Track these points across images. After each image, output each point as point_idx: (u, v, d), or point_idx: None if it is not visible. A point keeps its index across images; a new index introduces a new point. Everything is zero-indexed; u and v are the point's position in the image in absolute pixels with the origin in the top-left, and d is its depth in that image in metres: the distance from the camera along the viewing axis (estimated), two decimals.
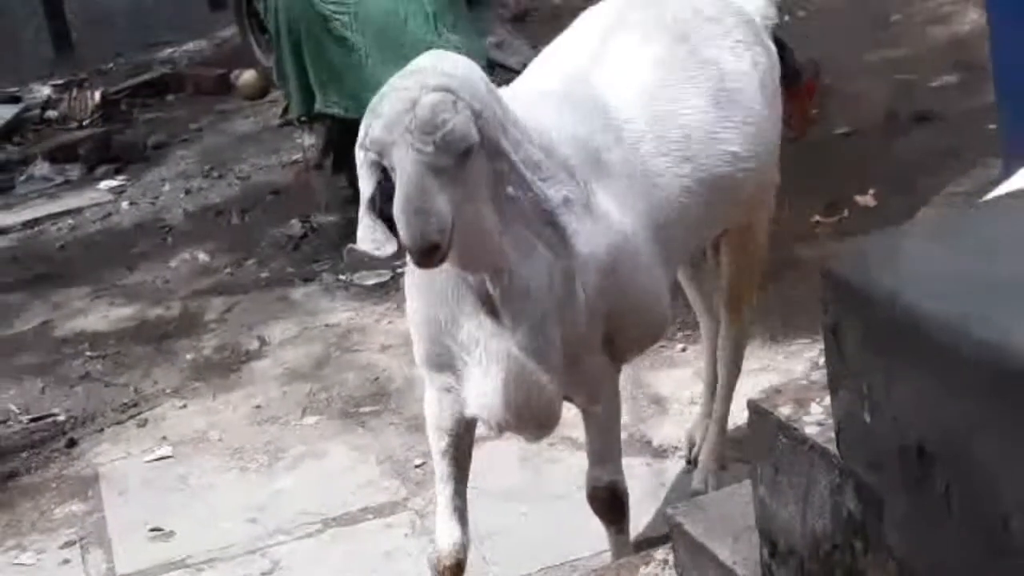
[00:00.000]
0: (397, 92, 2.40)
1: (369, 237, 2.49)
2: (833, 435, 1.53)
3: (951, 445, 1.29)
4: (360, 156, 2.46)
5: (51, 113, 7.75)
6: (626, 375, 3.91)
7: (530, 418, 2.75)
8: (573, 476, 3.49)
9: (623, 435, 3.67)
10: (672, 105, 2.89)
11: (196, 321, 4.89)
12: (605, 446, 2.89)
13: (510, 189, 2.50)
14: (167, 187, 6.42)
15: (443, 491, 2.83)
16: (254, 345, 4.60)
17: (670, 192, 2.85)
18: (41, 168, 6.90)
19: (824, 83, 5.39)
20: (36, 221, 6.23)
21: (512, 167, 2.49)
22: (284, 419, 4.11)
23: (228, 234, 5.70)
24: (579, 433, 3.67)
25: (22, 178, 6.84)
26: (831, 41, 6.06)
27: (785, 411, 1.65)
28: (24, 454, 4.18)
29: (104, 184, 6.60)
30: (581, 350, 2.72)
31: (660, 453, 3.55)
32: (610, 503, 2.87)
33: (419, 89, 2.37)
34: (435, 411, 2.78)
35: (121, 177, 6.66)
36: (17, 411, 4.45)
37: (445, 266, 2.50)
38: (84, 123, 7.47)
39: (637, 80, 2.89)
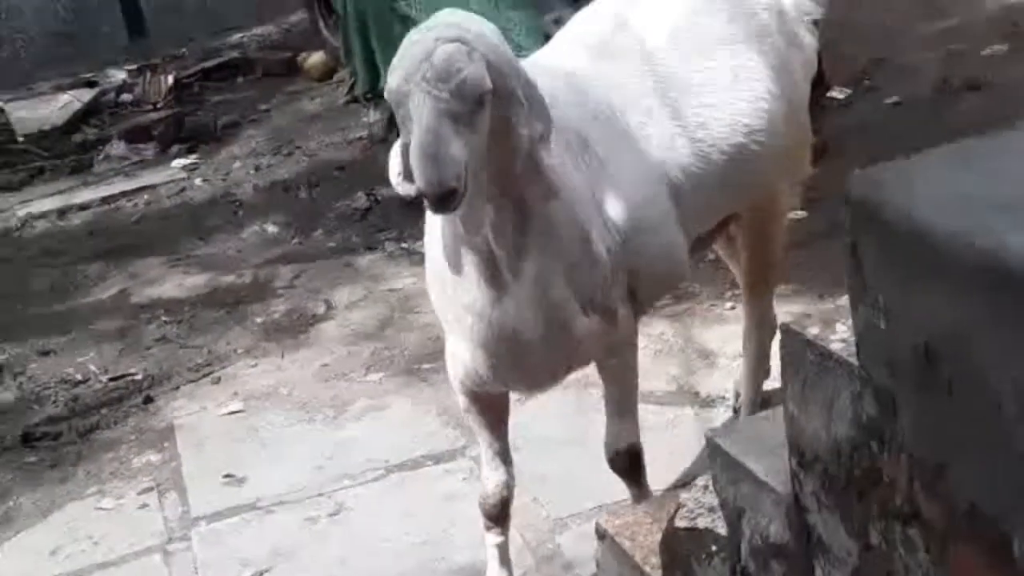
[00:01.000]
0: (414, 45, 2.44)
1: (394, 173, 2.57)
2: (855, 349, 1.68)
3: (954, 343, 1.43)
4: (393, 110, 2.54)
5: (126, 96, 8.03)
6: (676, 331, 4.09)
7: (524, 379, 2.85)
8: None
9: (673, 387, 3.86)
10: (691, 74, 2.97)
11: (266, 288, 5.10)
12: (624, 403, 2.97)
13: (524, 141, 2.53)
14: (237, 164, 6.65)
15: (481, 440, 2.99)
16: (321, 309, 4.81)
17: (686, 158, 2.92)
18: (117, 148, 7.17)
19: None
20: (113, 197, 6.49)
21: (526, 118, 2.52)
22: (349, 376, 4.30)
23: (296, 207, 5.91)
24: None
25: (99, 157, 7.12)
26: (883, 12, 6.15)
27: (813, 331, 1.80)
28: (104, 410, 4.41)
29: (177, 162, 6.86)
30: (598, 304, 2.77)
31: (707, 403, 3.70)
32: (631, 465, 2.98)
33: (434, 41, 2.42)
34: (449, 370, 2.90)
35: (193, 156, 6.92)
36: (97, 371, 4.68)
37: (450, 229, 2.60)
38: (158, 105, 7.74)
39: (657, 47, 2.98)
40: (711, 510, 2.30)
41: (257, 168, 6.53)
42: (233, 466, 3.89)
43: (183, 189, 6.44)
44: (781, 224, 3.37)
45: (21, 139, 7.43)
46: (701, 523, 2.33)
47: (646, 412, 3.74)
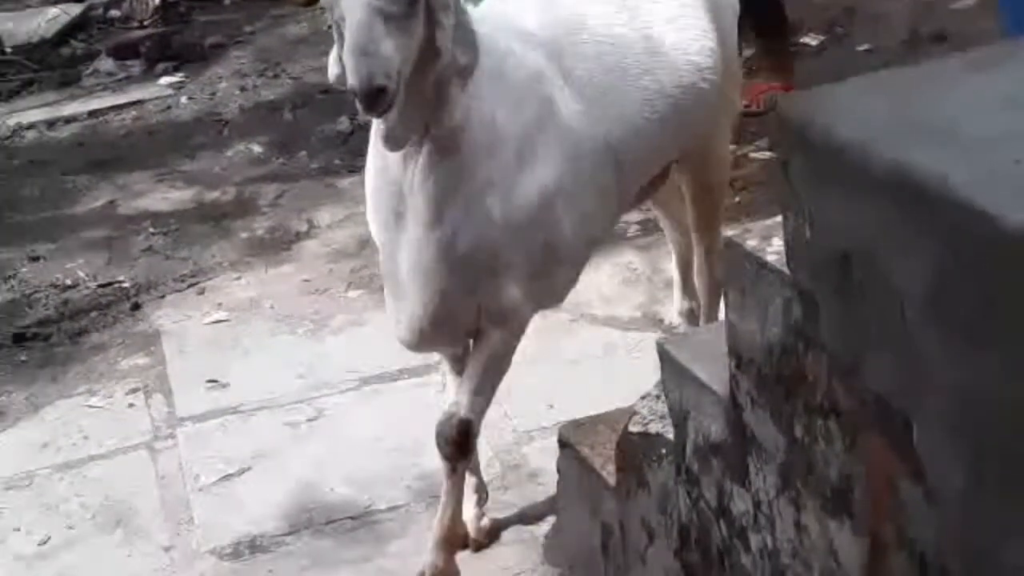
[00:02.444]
0: None
1: (332, 75, 2.65)
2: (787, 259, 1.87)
3: (865, 249, 1.62)
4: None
5: (114, 13, 8.08)
6: (644, 261, 4.28)
7: (413, 328, 2.83)
8: (587, 345, 3.88)
9: (638, 313, 4.05)
10: (635, 19, 2.99)
11: (250, 205, 5.25)
12: (484, 381, 2.88)
13: (445, 60, 2.56)
14: (223, 84, 6.76)
15: (444, 362, 3.12)
16: (304, 227, 4.96)
17: (629, 110, 2.92)
18: (105, 63, 7.24)
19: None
20: (101, 111, 6.57)
21: (452, 39, 2.56)
22: (330, 291, 4.47)
23: (281, 128, 6.04)
24: (596, 309, 4.08)
25: (87, 72, 7.19)
26: None
27: (752, 243, 1.97)
28: (93, 314, 4.57)
29: (164, 80, 6.95)
30: (499, 267, 2.77)
31: (669, 328, 3.89)
32: (459, 438, 2.87)
33: None
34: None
35: (180, 74, 7.01)
36: (86, 278, 4.83)
37: (382, 167, 2.69)
38: (145, 23, 7.80)
39: (596, 4, 2.99)
40: (662, 417, 2.49)
41: (243, 88, 6.64)
42: (217, 372, 4.07)
43: (169, 107, 6.55)
44: (723, 165, 3.41)
45: (9, 50, 7.52)
46: (653, 429, 2.52)
47: (612, 335, 3.98)
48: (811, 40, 5.94)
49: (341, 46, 2.53)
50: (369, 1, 2.42)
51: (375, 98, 2.42)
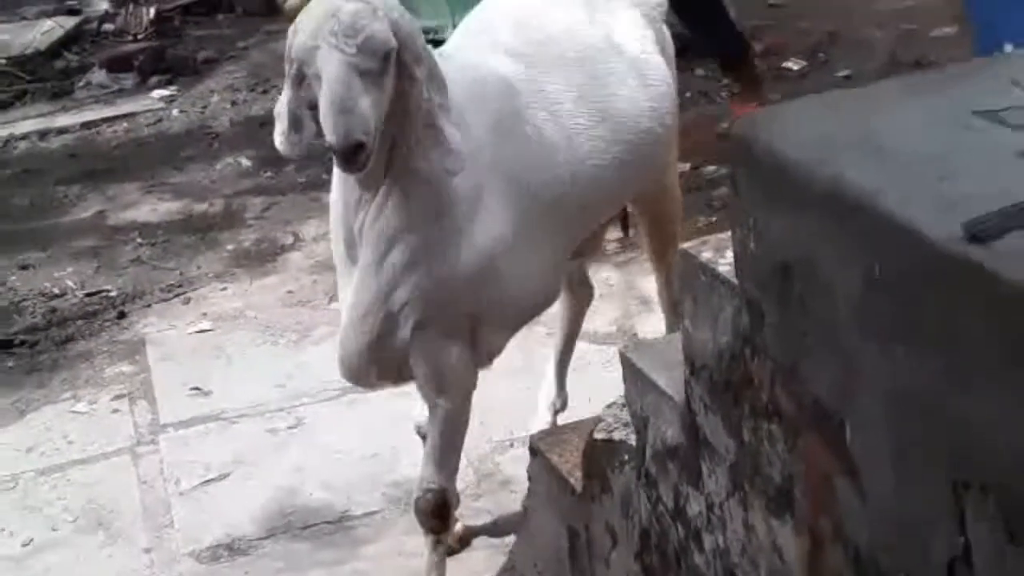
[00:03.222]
0: (319, 4, 2.51)
1: (278, 132, 2.68)
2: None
3: (803, 261, 1.70)
4: (286, 69, 2.61)
5: (108, 26, 8.20)
6: (620, 277, 4.37)
7: (382, 365, 2.83)
8: None
9: (613, 328, 4.14)
10: (594, 66, 2.99)
11: (237, 217, 5.35)
12: (445, 451, 2.87)
13: (425, 104, 2.57)
14: (215, 98, 6.87)
15: None
16: (289, 240, 5.06)
17: (584, 157, 2.91)
18: (98, 76, 7.36)
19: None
20: (93, 123, 6.69)
21: (429, 77, 2.58)
22: (313, 303, 4.56)
23: (269, 143, 6.03)
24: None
25: (81, 84, 7.31)
26: None
27: (706, 255, 2.06)
28: (79, 322, 4.66)
29: (156, 93, 7.06)
30: (438, 328, 2.76)
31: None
32: (436, 509, 2.87)
33: (340, 1, 2.49)
34: None
35: (172, 87, 7.12)
36: (74, 286, 4.93)
37: (338, 199, 2.72)
38: (139, 36, 7.92)
39: (558, 44, 2.99)
40: (626, 424, 2.57)
41: (233, 103, 6.75)
42: (200, 380, 4.16)
43: (160, 119, 6.65)
44: (675, 198, 3.41)
45: (3, 61, 7.62)
46: (617, 436, 2.60)
47: (588, 350, 4.05)
48: (793, 65, 6.07)
49: (300, 106, 2.62)
50: (345, 58, 2.44)
51: (354, 154, 2.43)
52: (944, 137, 1.69)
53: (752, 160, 1.78)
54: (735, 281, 1.96)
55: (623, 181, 3.06)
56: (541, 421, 3.52)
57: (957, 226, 1.46)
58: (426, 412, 2.98)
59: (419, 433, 3.13)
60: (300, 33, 2.52)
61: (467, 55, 2.90)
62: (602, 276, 4.38)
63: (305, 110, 2.65)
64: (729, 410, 2.04)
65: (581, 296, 3.54)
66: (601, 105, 2.97)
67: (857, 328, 1.64)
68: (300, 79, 2.59)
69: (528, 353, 3.96)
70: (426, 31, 3.16)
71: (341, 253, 2.83)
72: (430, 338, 2.77)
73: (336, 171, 2.75)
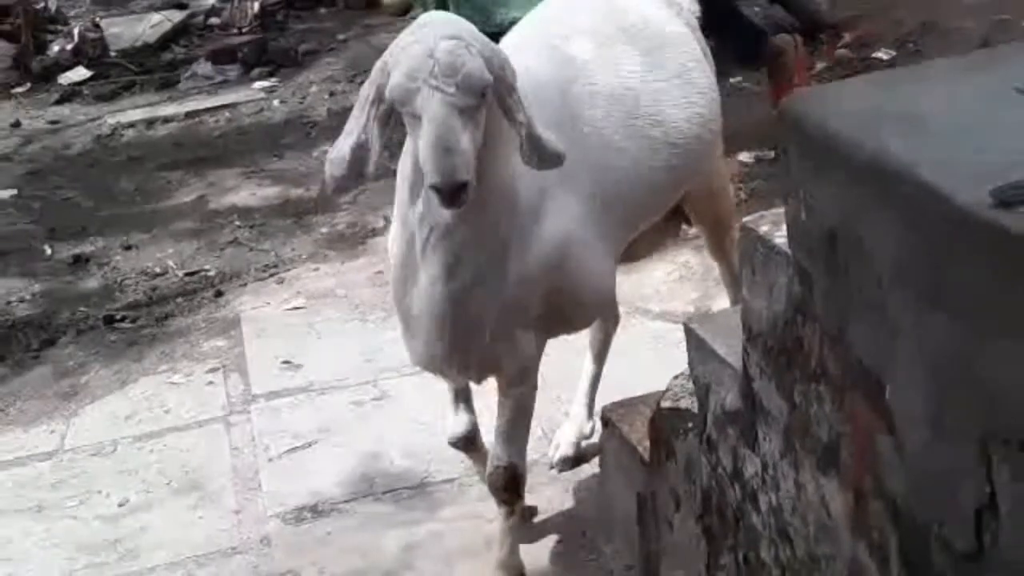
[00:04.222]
0: (414, 44, 2.49)
1: (337, 171, 2.60)
2: None
3: (849, 229, 1.80)
4: (369, 111, 2.56)
5: (214, 20, 8.49)
6: (699, 260, 4.45)
7: (464, 367, 2.91)
8: (639, 337, 4.07)
9: (691, 308, 4.23)
10: (645, 73, 3.07)
11: (331, 202, 5.53)
12: (517, 428, 2.98)
13: (523, 131, 2.58)
14: (314, 89, 7.09)
15: (447, 384, 3.16)
16: (379, 223, 5.22)
17: (638, 158, 2.98)
18: (203, 68, 7.62)
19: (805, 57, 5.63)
20: (196, 112, 6.95)
21: (520, 107, 2.58)
22: None
23: None
24: (653, 304, 4.27)
25: (186, 75, 7.58)
26: None
27: (764, 228, 2.17)
28: (179, 300, 4.87)
29: (258, 84, 7.30)
30: (512, 320, 2.81)
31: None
32: (507, 484, 2.98)
33: (434, 38, 2.48)
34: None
35: (274, 79, 7.36)
36: (174, 266, 5.14)
37: (407, 207, 2.71)
38: (243, 30, 8.18)
39: (609, 51, 3.06)
40: (691, 394, 2.68)
41: (332, 94, 6.95)
42: (291, 354, 4.33)
43: (262, 109, 6.88)
44: (725, 196, 3.52)
45: (114, 54, 7.91)
46: (682, 404, 2.71)
47: (667, 329, 4.15)
48: (884, 55, 6.09)
49: (371, 145, 2.56)
50: (446, 98, 2.43)
51: (457, 193, 2.44)
52: (984, 111, 1.77)
53: (802, 134, 1.88)
54: (789, 252, 2.06)
55: (673, 184, 3.17)
56: (565, 449, 3.58)
57: (987, 194, 1.55)
58: (458, 425, 3.18)
59: (453, 444, 3.22)
60: (396, 73, 2.48)
61: (526, 57, 2.87)
62: (682, 259, 4.48)
63: (370, 150, 2.59)
64: (782, 374, 2.14)
65: (608, 322, 3.62)
66: (653, 110, 3.05)
67: (896, 293, 1.73)
68: (388, 118, 2.56)
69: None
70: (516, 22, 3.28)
71: (402, 254, 2.82)
72: (508, 339, 2.84)
73: (402, 172, 2.77)
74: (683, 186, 3.25)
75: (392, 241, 2.94)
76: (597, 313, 3.24)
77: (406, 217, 2.76)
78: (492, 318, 2.79)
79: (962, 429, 1.65)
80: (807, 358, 2.03)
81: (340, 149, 2.62)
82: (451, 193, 2.44)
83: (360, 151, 2.57)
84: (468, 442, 3.21)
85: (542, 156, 2.62)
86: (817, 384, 2.02)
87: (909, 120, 1.78)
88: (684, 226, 3.64)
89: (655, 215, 3.25)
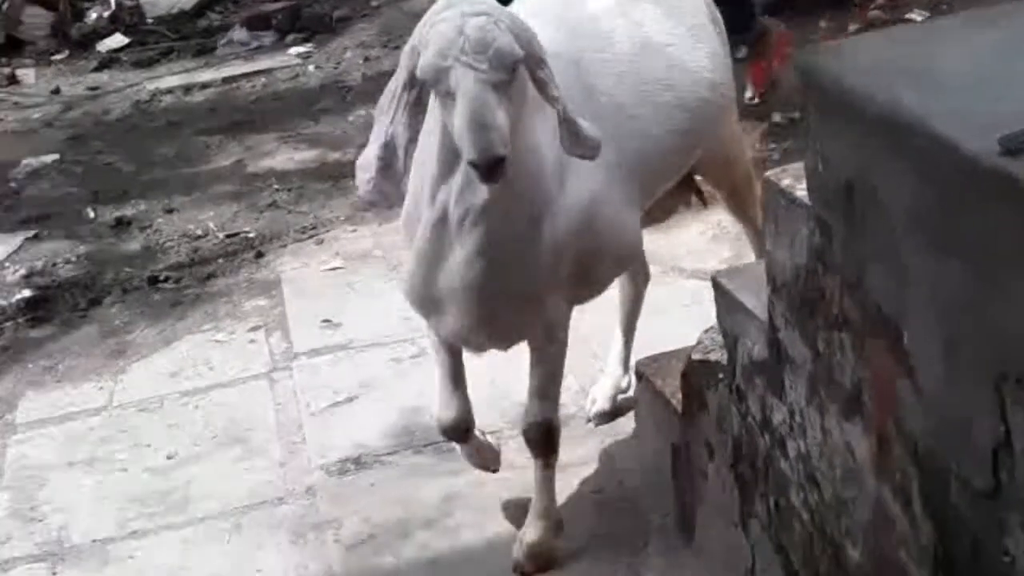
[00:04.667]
0: (442, 22, 2.51)
1: (369, 173, 2.64)
2: None
3: (865, 179, 1.88)
4: (396, 98, 2.59)
5: None
6: (731, 221, 4.51)
7: (497, 336, 2.96)
8: (674, 295, 4.14)
9: (723, 266, 4.29)
10: (657, 35, 3.12)
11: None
12: (551, 385, 3.04)
13: (558, 104, 2.61)
14: (348, 54, 7.17)
15: (438, 363, 3.10)
16: None
17: (651, 123, 3.02)
18: (239, 34, 7.71)
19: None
20: (233, 78, 7.04)
21: (552, 80, 2.61)
22: None
23: None
24: (687, 263, 4.35)
25: (223, 42, 7.67)
26: None
27: (786, 182, 2.25)
28: (220, 261, 4.98)
29: (293, 50, 7.39)
30: (543, 286, 2.87)
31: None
32: (544, 439, 3.05)
33: (462, 16, 2.50)
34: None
35: (308, 45, 7.45)
36: (215, 228, 5.25)
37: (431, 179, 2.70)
38: None
39: (621, 14, 3.10)
40: (721, 346, 2.77)
41: (366, 59, 7.03)
42: (331, 313, 4.43)
43: (297, 75, 6.97)
44: (742, 162, 3.54)
45: (151, 21, 8.01)
46: (712, 357, 2.80)
47: (700, 286, 4.21)
48: (917, 16, 6.11)
49: (402, 140, 2.58)
50: (479, 76, 2.46)
51: (494, 169, 2.46)
52: (998, 64, 1.85)
53: (819, 89, 1.96)
54: (809, 204, 2.14)
55: (686, 147, 3.21)
56: (602, 403, 3.65)
57: (995, 142, 1.62)
58: (449, 410, 3.11)
59: (443, 432, 3.21)
60: (427, 53, 2.51)
61: (536, 28, 2.82)
62: (715, 219, 4.54)
63: (398, 147, 2.62)
64: (805, 323, 2.22)
65: (639, 279, 3.69)
66: (664, 75, 3.09)
67: (910, 240, 1.81)
68: (419, 102, 2.58)
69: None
70: None
71: (430, 235, 2.80)
72: (542, 304, 2.90)
73: (427, 152, 2.74)
74: (696, 149, 3.28)
75: (409, 224, 2.93)
76: (621, 272, 3.29)
77: (433, 197, 2.75)
78: (528, 287, 2.85)
79: (976, 371, 1.73)
80: (829, 307, 2.12)
81: (367, 155, 2.66)
82: (489, 168, 2.46)
83: (387, 150, 2.61)
84: (460, 432, 3.15)
85: (579, 142, 2.66)
86: (839, 332, 2.10)
87: (923, 73, 1.86)
88: (695, 198, 3.68)
89: (670, 180, 3.29)
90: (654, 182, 3.18)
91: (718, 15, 3.43)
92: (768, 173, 2.31)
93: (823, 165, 1.99)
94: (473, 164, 2.46)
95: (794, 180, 2.24)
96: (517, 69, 2.54)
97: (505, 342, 3.04)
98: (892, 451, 2.00)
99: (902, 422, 1.95)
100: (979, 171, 1.62)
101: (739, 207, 3.60)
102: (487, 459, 3.30)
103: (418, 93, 2.58)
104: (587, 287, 3.05)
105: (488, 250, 2.74)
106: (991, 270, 1.66)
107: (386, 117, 2.64)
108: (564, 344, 3.03)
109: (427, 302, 2.93)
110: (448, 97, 2.49)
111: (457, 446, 3.27)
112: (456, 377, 3.11)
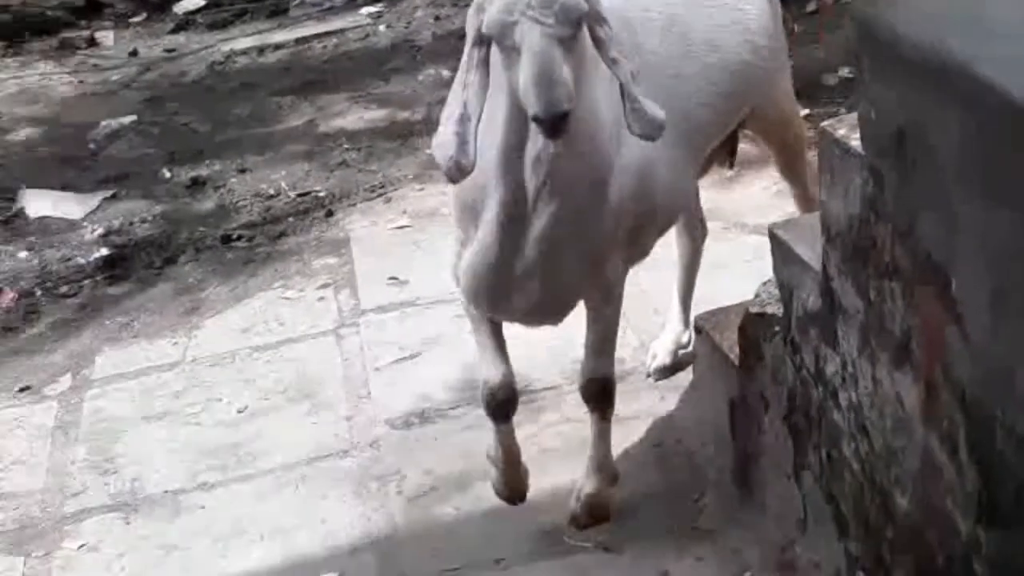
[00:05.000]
0: None
1: (450, 158, 2.57)
2: None
3: (915, 127, 1.87)
4: (472, 55, 2.57)
5: None
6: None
7: (550, 312, 2.97)
8: (737, 250, 4.14)
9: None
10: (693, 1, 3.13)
11: (436, 123, 5.58)
12: (607, 342, 3.06)
13: (619, 64, 2.61)
14: (419, 14, 7.19)
15: (480, 336, 3.09)
16: None
17: (696, 83, 3.03)
18: None
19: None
20: (305, 39, 7.09)
21: (611, 38, 2.61)
22: None
23: None
24: (750, 218, 4.33)
25: (295, 3, 7.72)
26: None
27: (841, 132, 2.24)
28: (291, 219, 5.05)
29: (364, 10, 7.42)
30: (606, 249, 2.88)
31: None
32: (601, 393, 3.09)
33: None
34: (464, 281, 2.98)
35: (380, 4, 7.47)
36: (286, 188, 5.32)
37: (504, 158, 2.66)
38: None
39: None
40: (778, 300, 2.77)
41: (437, 18, 7.05)
42: (398, 270, 4.48)
43: (368, 35, 7.01)
44: (792, 121, 3.52)
45: None
46: (769, 310, 2.81)
47: (762, 242, 4.18)
48: None
49: (475, 104, 2.55)
50: (545, 30, 2.45)
51: (559, 123, 2.44)
52: None
53: (871, 37, 1.96)
54: (863, 153, 2.14)
55: (733, 109, 3.22)
56: (663, 357, 3.68)
57: None
58: (496, 373, 3.09)
59: (490, 399, 3.13)
60: (492, 9, 2.51)
61: None
62: (776, 175, 4.52)
63: (471, 116, 2.58)
64: (858, 273, 2.22)
65: (697, 234, 3.71)
66: (706, 36, 3.09)
67: (960, 187, 1.81)
68: (486, 61, 2.56)
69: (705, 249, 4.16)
70: None
71: (507, 210, 2.76)
72: (603, 264, 2.92)
73: (494, 118, 2.67)
74: (744, 108, 3.28)
75: (468, 215, 2.89)
76: (667, 231, 3.25)
77: (503, 178, 2.71)
78: (595, 251, 2.87)
79: (1020, 315, 1.73)
80: (880, 255, 2.12)
81: (443, 135, 2.64)
82: (553, 123, 2.44)
83: (463, 123, 2.58)
84: (509, 395, 3.09)
85: (643, 121, 2.63)
86: (890, 280, 2.10)
87: (972, 22, 1.85)
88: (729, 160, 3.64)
89: (717, 138, 3.29)
90: (702, 142, 3.18)
91: None
92: (823, 123, 2.30)
93: (876, 114, 1.98)
94: (538, 119, 2.45)
95: (849, 130, 2.24)
96: (582, 24, 2.54)
97: (565, 311, 3.03)
98: (940, 399, 2.00)
99: (950, 370, 1.95)
100: None
101: (788, 166, 3.57)
102: (517, 483, 3.19)
103: (486, 52, 2.57)
104: (639, 246, 3.06)
105: (564, 219, 2.73)
106: None
107: (459, 87, 2.63)
108: (620, 302, 3.05)
109: (495, 291, 2.90)
110: (514, 52, 2.48)
111: (493, 441, 3.15)
112: (500, 342, 3.10)
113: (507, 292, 2.89)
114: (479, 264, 2.88)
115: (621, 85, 2.62)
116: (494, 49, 2.57)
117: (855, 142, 2.19)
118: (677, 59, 3.04)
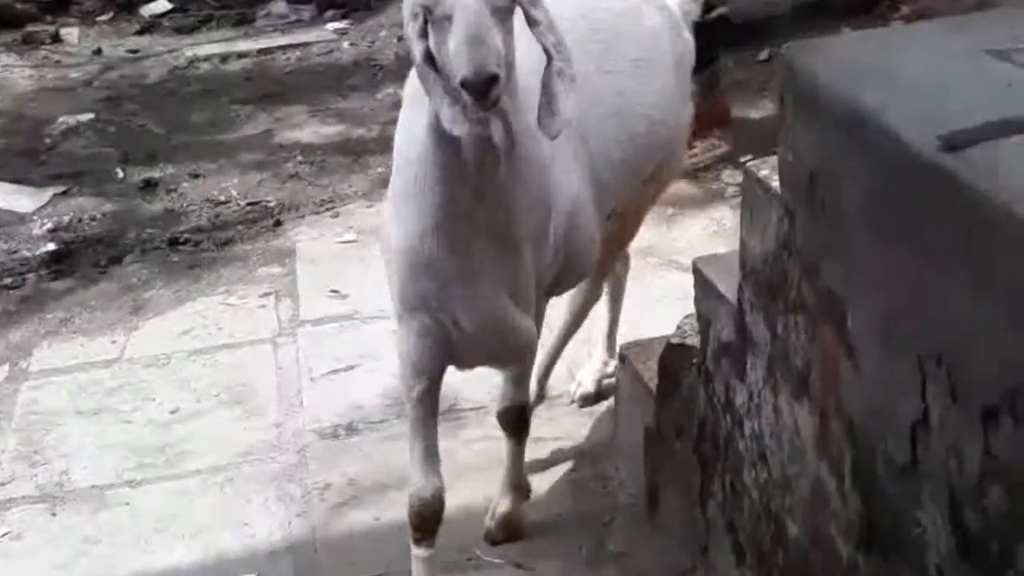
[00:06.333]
0: None
1: (453, 118, 2.44)
2: None
3: (826, 169, 1.97)
4: (407, 30, 2.50)
5: None
6: (734, 218, 4.57)
7: (512, 349, 2.94)
8: (669, 287, 4.22)
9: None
10: (609, 67, 3.08)
11: (390, 143, 5.62)
12: (525, 373, 3.15)
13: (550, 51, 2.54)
14: (383, 33, 7.28)
15: (418, 440, 2.96)
16: None
17: (603, 143, 3.01)
18: (279, 7, 7.83)
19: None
20: (269, 50, 7.17)
21: (548, 26, 2.54)
22: None
23: None
24: (683, 257, 4.42)
25: (262, 14, 7.80)
26: None
27: (764, 172, 2.33)
28: (239, 227, 5.11)
29: (330, 26, 7.51)
30: (539, 283, 2.90)
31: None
32: (517, 420, 3.19)
33: None
34: (414, 355, 2.90)
35: (346, 21, 7.57)
36: (237, 196, 5.38)
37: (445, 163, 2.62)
38: None
39: (580, 37, 2.95)
40: (698, 332, 2.86)
41: (400, 38, 7.12)
42: (340, 284, 4.55)
43: (332, 50, 7.10)
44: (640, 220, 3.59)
45: None
46: (689, 341, 2.89)
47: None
48: None
49: (433, 50, 2.44)
50: None
51: (487, 87, 2.34)
52: (954, 69, 1.93)
53: (794, 82, 2.05)
54: (781, 193, 2.22)
55: (647, 162, 3.22)
56: (587, 385, 3.76)
57: (935, 138, 1.71)
58: (428, 487, 2.96)
59: (416, 512, 3.00)
60: None
61: None
62: (717, 215, 4.64)
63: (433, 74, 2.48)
64: (768, 307, 2.31)
65: (621, 268, 3.77)
66: (611, 101, 3.05)
67: (860, 227, 1.90)
68: (424, 31, 2.48)
69: (638, 281, 4.24)
70: None
71: (450, 232, 2.72)
72: (539, 303, 2.95)
73: (431, 146, 2.66)
74: (649, 169, 3.27)
75: (408, 237, 2.84)
76: (581, 280, 3.28)
77: (436, 199, 2.69)
78: (538, 287, 2.88)
79: (904, 349, 1.82)
80: (789, 291, 2.20)
81: (445, 104, 2.46)
82: (480, 87, 2.33)
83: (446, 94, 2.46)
84: (438, 511, 2.96)
85: (550, 112, 2.54)
86: (796, 315, 2.19)
87: (884, 74, 1.94)
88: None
89: (628, 192, 3.26)
90: (608, 194, 3.11)
91: (687, 51, 3.36)
92: (749, 163, 2.39)
93: (793, 156, 2.07)
94: (466, 82, 2.33)
95: (771, 171, 2.32)
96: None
97: (506, 348, 2.95)
98: (831, 429, 2.08)
99: (842, 402, 2.03)
100: (920, 165, 1.71)
101: (630, 237, 3.64)
102: None
103: (423, 19, 2.45)
104: (561, 286, 3.11)
105: (509, 250, 2.72)
106: (924, 257, 1.74)
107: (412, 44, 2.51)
108: (533, 357, 3.10)
109: (442, 328, 2.85)
110: (446, 21, 2.39)
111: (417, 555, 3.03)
112: (436, 451, 3.01)
113: (446, 312, 2.83)
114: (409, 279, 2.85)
115: (546, 70, 2.54)
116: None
117: (775, 183, 2.28)
118: (591, 115, 2.95)
